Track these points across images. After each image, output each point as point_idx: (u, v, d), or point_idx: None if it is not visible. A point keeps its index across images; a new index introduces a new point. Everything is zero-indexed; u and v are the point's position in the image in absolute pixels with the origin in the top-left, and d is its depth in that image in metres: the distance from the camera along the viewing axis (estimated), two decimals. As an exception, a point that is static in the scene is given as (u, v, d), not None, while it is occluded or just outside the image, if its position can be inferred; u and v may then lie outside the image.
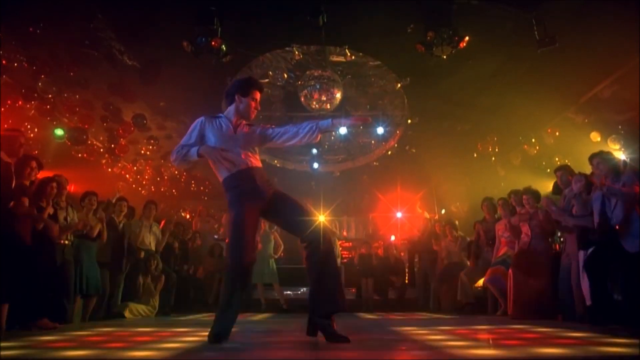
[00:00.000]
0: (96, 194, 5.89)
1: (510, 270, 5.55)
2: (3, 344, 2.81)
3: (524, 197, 5.73)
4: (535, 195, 5.69)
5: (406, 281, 9.30)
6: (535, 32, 6.60)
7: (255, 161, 3.21)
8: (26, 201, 4.15)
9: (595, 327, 3.85)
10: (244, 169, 3.10)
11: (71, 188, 6.38)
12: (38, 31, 6.98)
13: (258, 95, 3.28)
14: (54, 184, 4.69)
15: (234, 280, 2.98)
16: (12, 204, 4.02)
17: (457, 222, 8.19)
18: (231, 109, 3.28)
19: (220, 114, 3.32)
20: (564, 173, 5.27)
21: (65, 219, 5.14)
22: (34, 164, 4.34)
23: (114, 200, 6.81)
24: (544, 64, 7.34)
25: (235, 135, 3.18)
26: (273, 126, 3.43)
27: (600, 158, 4.41)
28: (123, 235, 6.53)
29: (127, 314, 6.20)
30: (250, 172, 3.11)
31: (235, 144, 3.14)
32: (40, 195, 4.51)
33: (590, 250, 4.46)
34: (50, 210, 4.59)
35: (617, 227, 4.14)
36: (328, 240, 3.07)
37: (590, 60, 7.31)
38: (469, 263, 7.34)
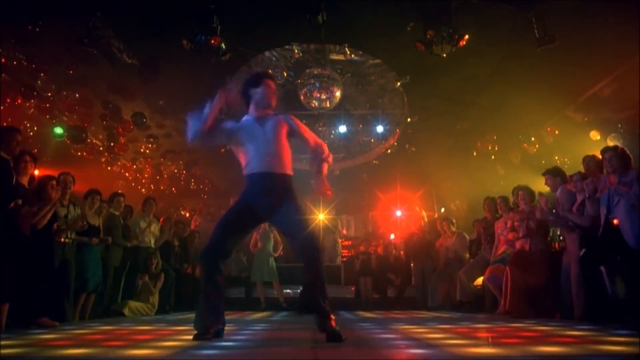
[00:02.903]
0: (100, 192, 5.90)
1: (507, 268, 5.56)
2: (3, 343, 2.81)
3: (519, 192, 5.74)
4: (530, 193, 5.69)
5: (411, 279, 9.31)
6: (535, 31, 6.60)
7: (279, 165, 3.08)
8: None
9: (594, 325, 3.85)
10: (256, 173, 3.04)
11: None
12: (37, 29, 6.96)
13: (271, 83, 3.21)
14: (54, 182, 4.69)
15: (202, 268, 3.02)
16: (13, 204, 4.01)
17: (453, 220, 8.21)
18: (251, 107, 3.21)
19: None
20: (551, 176, 5.28)
21: (66, 216, 5.14)
22: (27, 157, 4.33)
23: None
24: (544, 62, 7.33)
25: (262, 127, 3.10)
26: (300, 122, 3.31)
27: (613, 153, 4.40)
28: (124, 233, 6.53)
29: (126, 312, 6.20)
30: (263, 176, 3.03)
31: (262, 136, 3.07)
32: (41, 194, 4.50)
33: (585, 247, 4.47)
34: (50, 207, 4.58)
35: (615, 222, 4.13)
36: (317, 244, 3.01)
37: (590, 58, 7.31)
38: (467, 258, 7.36)
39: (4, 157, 3.98)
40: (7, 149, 4.05)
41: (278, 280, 8.37)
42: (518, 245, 5.61)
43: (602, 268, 4.23)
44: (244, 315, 6.55)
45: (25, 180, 4.37)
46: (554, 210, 5.08)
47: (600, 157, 4.58)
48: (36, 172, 4.81)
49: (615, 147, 4.55)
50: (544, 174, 5.42)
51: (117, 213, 6.45)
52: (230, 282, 8.71)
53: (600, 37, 6.74)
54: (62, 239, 5.01)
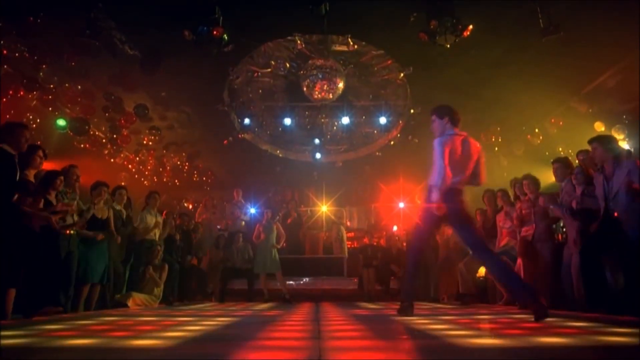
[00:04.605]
0: (107, 184, 5.90)
1: (519, 260, 5.52)
2: (8, 332, 2.83)
3: (524, 182, 5.70)
4: (535, 181, 5.64)
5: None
6: (540, 21, 6.54)
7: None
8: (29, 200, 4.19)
9: (595, 316, 3.85)
10: None
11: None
12: (38, 20, 6.95)
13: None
14: (62, 178, 4.72)
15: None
16: (16, 196, 4.03)
17: None
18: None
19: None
20: (561, 166, 5.24)
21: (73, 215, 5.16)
22: (41, 153, 4.37)
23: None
24: (548, 53, 7.28)
25: None
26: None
27: (598, 143, 4.38)
28: (127, 225, 6.54)
29: (130, 303, 6.23)
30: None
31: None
32: (47, 188, 4.53)
33: (585, 239, 4.46)
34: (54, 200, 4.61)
35: (616, 214, 4.11)
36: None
37: (595, 49, 7.25)
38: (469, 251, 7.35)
39: (10, 152, 3.99)
40: (14, 144, 4.05)
41: (281, 272, 8.39)
42: (523, 232, 5.58)
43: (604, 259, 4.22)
44: (247, 306, 6.58)
45: (32, 174, 4.39)
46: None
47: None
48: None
49: (598, 137, 4.50)
50: (554, 162, 5.38)
51: (118, 207, 6.45)
52: (234, 274, 8.74)
53: (606, 27, 6.68)
54: (67, 232, 5.03)
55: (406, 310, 3.95)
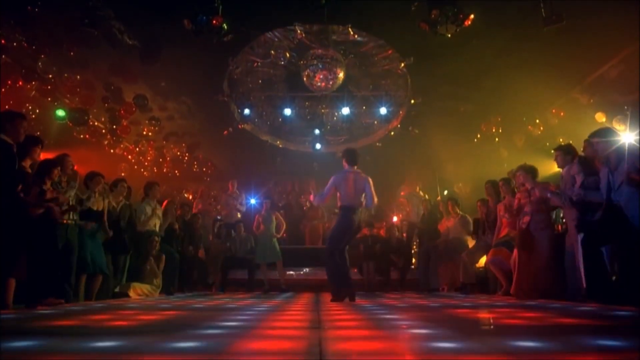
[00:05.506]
0: (103, 175, 5.89)
1: (515, 251, 5.52)
2: (9, 324, 2.84)
3: (517, 173, 5.67)
4: (529, 170, 5.59)
5: (412, 261, 9.36)
6: (542, 10, 6.49)
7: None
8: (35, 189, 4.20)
9: (597, 305, 3.87)
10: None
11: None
12: (36, 10, 6.89)
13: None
14: (59, 168, 4.71)
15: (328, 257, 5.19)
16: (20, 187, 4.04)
17: (458, 200, 8.20)
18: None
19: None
20: (562, 153, 5.21)
21: (68, 202, 5.15)
22: (41, 146, 4.39)
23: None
24: (550, 43, 7.23)
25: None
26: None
27: (600, 137, 4.36)
28: (123, 217, 6.52)
29: (131, 293, 6.26)
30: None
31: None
32: (43, 177, 4.52)
33: (585, 230, 4.46)
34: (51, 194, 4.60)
35: (619, 205, 4.10)
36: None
37: (597, 39, 7.19)
38: (469, 242, 7.37)
39: (8, 142, 3.98)
40: (13, 134, 4.05)
41: (281, 261, 8.42)
42: (524, 220, 5.55)
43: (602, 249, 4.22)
44: (247, 296, 6.61)
45: (27, 165, 4.39)
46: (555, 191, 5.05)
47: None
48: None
49: (599, 132, 4.47)
50: (555, 150, 5.35)
51: (128, 202, 6.45)
52: (235, 264, 8.77)
53: (608, 17, 6.62)
54: (65, 221, 5.02)
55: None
